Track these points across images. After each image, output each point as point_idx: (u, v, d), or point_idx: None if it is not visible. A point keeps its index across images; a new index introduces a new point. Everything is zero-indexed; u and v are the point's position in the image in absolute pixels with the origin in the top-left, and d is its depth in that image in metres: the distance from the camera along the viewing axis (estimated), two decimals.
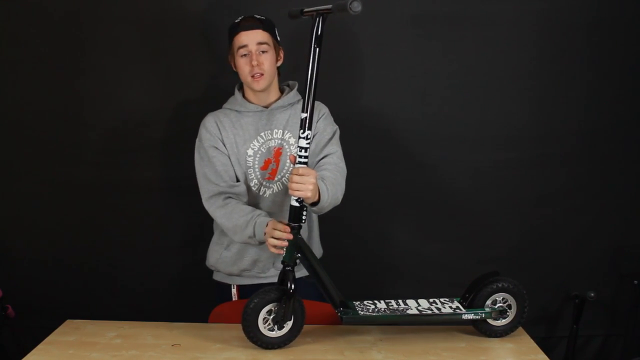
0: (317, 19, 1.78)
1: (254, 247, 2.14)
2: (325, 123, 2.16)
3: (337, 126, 2.18)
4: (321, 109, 2.18)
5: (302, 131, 1.83)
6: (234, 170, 2.13)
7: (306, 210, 1.86)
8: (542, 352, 1.85)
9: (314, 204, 1.93)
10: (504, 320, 1.94)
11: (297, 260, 1.86)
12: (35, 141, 2.65)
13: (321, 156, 2.11)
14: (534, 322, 2.67)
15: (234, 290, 2.22)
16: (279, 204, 2.15)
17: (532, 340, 1.94)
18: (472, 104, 2.66)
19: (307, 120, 1.82)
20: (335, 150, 2.13)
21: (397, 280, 2.75)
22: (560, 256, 2.78)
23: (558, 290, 2.80)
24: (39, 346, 1.85)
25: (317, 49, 1.79)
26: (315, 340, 1.91)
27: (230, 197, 2.11)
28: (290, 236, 1.85)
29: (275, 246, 1.90)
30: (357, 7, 1.63)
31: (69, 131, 2.64)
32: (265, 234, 1.96)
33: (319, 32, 1.78)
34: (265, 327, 1.82)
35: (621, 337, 2.84)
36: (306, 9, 1.85)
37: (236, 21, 2.10)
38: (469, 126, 2.67)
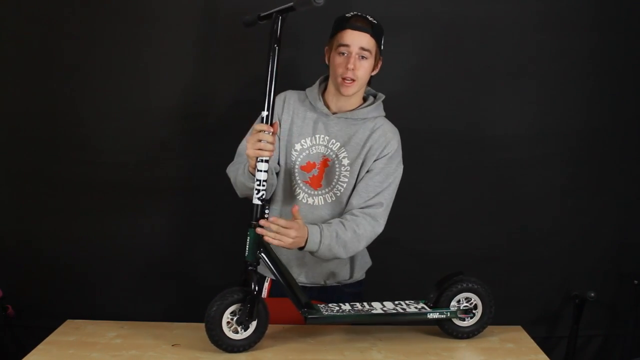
0: (277, 18, 1.75)
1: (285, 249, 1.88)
2: (388, 163, 1.98)
3: (401, 168, 2.02)
4: (391, 141, 2.00)
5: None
6: (278, 154, 2.01)
7: (269, 208, 1.81)
8: (542, 352, 1.85)
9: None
10: (470, 321, 1.91)
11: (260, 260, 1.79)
12: (37, 141, 2.64)
13: (364, 205, 1.96)
14: (534, 322, 2.68)
15: (266, 284, 2.12)
16: (317, 215, 2.02)
17: (532, 340, 1.95)
18: (472, 104, 2.66)
19: (269, 119, 1.77)
20: (382, 203, 1.97)
21: (397, 280, 2.74)
22: (560, 256, 2.78)
23: (558, 290, 2.80)
24: (39, 346, 1.84)
25: (277, 48, 1.75)
26: (316, 340, 1.91)
27: None
28: (274, 129, 1.78)
29: (260, 149, 1.75)
30: None
31: (71, 131, 2.64)
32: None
33: (279, 33, 1.75)
34: (229, 330, 1.77)
35: (621, 337, 2.84)
36: (263, 13, 1.81)
37: (347, 15, 1.95)
38: (469, 126, 2.67)
